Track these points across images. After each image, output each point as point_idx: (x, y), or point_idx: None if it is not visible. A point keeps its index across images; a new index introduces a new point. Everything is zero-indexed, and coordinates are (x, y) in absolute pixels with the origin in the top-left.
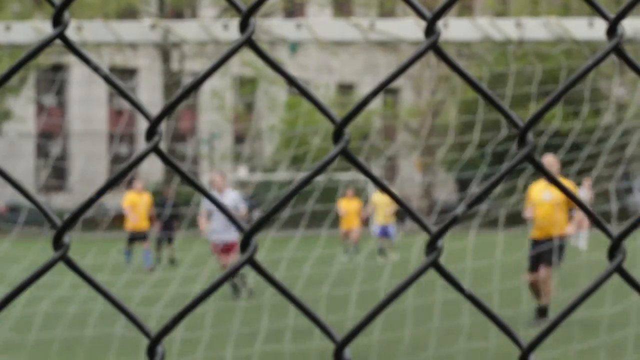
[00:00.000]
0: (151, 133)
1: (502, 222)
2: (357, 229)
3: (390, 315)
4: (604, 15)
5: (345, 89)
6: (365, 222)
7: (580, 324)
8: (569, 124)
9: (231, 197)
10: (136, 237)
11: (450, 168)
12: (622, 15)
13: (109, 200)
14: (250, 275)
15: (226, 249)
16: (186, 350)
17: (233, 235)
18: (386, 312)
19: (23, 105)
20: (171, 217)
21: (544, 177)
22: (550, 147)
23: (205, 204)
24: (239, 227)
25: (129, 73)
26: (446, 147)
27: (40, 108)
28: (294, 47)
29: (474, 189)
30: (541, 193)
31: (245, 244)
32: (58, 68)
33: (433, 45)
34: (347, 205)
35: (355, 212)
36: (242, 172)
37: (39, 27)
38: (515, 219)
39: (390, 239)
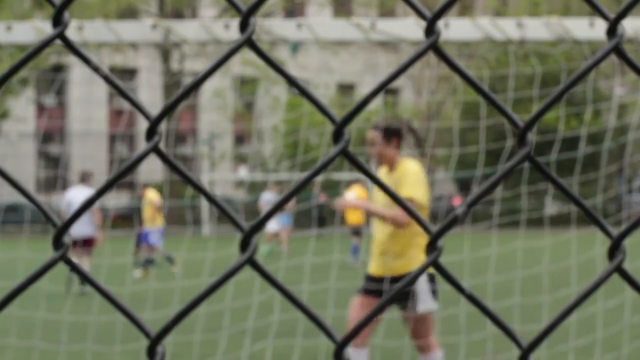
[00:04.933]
0: (151, 133)
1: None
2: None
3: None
4: (604, 15)
5: (345, 89)
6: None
7: (575, 321)
8: (570, 124)
9: None
10: (357, 232)
11: (449, 168)
12: (622, 15)
13: (110, 201)
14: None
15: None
16: (179, 351)
17: None
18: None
19: (23, 105)
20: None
21: (546, 179)
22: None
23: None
24: (238, 226)
25: (129, 73)
26: (447, 148)
27: (41, 108)
28: (295, 47)
29: (474, 189)
30: None
31: (245, 244)
32: (58, 68)
33: (433, 45)
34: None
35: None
36: (243, 172)
37: (40, 27)
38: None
39: (151, 245)
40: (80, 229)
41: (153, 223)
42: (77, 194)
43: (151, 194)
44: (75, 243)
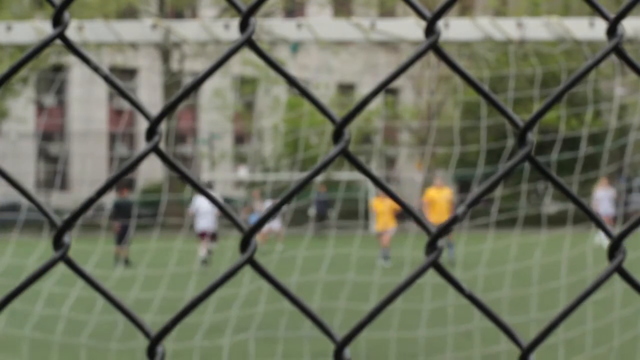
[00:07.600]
0: (151, 133)
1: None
2: (391, 230)
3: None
4: (604, 15)
5: (345, 89)
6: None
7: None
8: (571, 124)
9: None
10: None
11: (449, 167)
12: (622, 15)
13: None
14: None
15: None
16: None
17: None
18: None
19: (23, 105)
20: (129, 217)
21: (546, 178)
22: (549, 146)
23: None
24: (238, 226)
25: (129, 73)
26: (447, 148)
27: (41, 108)
28: (295, 47)
29: (474, 189)
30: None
31: (245, 244)
32: (58, 68)
33: (433, 45)
34: (380, 204)
35: (390, 211)
36: (242, 171)
37: (39, 27)
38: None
39: None
40: (207, 224)
41: None
42: (204, 201)
43: None
44: (203, 235)
